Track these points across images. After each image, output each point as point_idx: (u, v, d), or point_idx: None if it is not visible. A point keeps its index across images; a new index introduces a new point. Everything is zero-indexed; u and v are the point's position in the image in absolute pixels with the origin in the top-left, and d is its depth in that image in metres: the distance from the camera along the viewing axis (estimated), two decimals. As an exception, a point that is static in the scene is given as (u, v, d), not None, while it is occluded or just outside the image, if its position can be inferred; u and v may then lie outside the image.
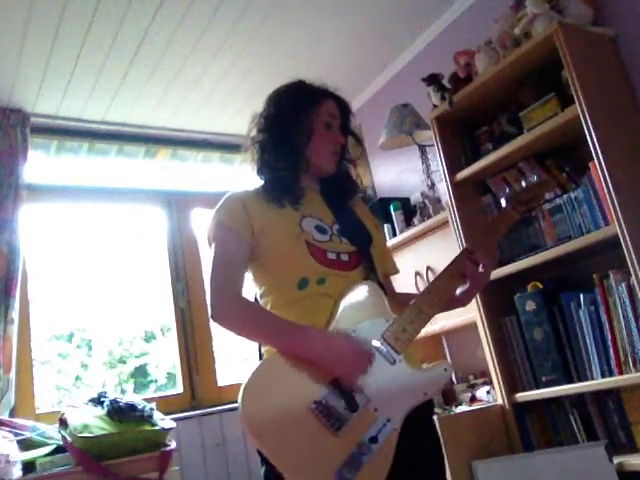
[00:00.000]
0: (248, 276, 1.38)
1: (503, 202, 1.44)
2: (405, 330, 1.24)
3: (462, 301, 1.42)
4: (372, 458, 1.12)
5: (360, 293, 1.29)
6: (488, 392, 2.33)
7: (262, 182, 1.43)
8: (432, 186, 2.68)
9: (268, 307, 1.34)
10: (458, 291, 1.40)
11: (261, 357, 1.33)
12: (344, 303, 1.26)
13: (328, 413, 1.13)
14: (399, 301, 1.41)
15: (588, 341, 1.96)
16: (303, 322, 1.23)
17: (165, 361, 3.99)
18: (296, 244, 1.30)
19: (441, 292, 1.31)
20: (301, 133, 1.39)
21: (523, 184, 1.42)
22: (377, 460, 1.13)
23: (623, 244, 1.80)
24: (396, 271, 1.55)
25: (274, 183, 1.39)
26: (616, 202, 1.82)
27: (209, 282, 1.29)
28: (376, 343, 1.22)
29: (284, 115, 1.41)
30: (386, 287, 1.45)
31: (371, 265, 1.36)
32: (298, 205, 1.37)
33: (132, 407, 2.07)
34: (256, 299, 1.40)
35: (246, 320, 1.26)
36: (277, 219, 1.34)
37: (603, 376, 1.90)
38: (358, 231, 1.41)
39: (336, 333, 1.21)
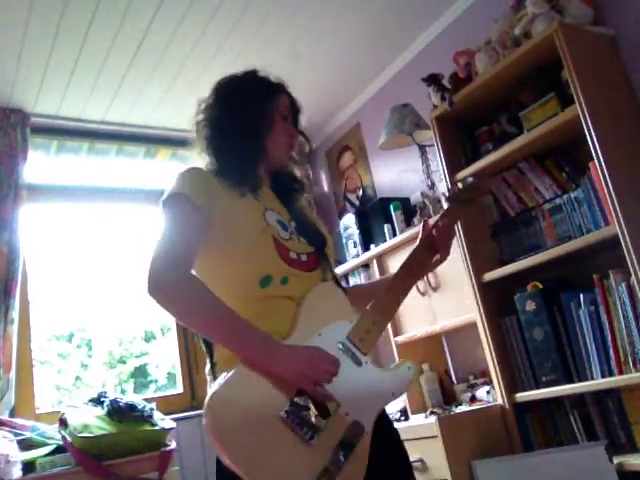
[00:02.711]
0: (199, 267, 1.25)
1: (444, 203, 1.46)
2: (369, 331, 1.22)
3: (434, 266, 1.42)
4: (347, 464, 1.10)
5: (322, 295, 1.26)
6: (488, 392, 2.33)
7: (216, 166, 1.33)
8: (432, 186, 2.67)
9: None
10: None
11: (213, 364, 1.24)
12: (306, 306, 1.22)
13: (300, 422, 1.09)
14: (353, 296, 1.38)
15: (588, 341, 1.96)
16: (265, 325, 1.15)
17: (165, 361, 3.98)
18: (262, 238, 1.23)
19: (400, 290, 1.30)
20: (263, 120, 1.35)
21: (460, 185, 1.45)
22: (352, 465, 1.11)
23: (623, 244, 1.80)
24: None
25: (234, 167, 1.31)
26: (616, 202, 1.82)
27: (155, 249, 1.15)
28: (342, 345, 1.20)
29: (246, 99, 1.36)
30: None
31: (329, 266, 1.34)
32: (257, 195, 1.30)
33: (132, 407, 2.07)
34: None
35: (192, 302, 1.13)
36: (239, 208, 1.26)
37: (603, 376, 1.90)
38: (314, 231, 1.38)
39: (292, 344, 1.15)
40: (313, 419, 1.10)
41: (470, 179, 1.47)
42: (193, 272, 1.21)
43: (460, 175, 2.36)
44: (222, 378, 1.10)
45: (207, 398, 1.08)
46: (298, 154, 1.49)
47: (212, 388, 1.10)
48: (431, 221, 1.40)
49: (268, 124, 1.35)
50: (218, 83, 1.44)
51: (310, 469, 1.07)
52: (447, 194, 1.46)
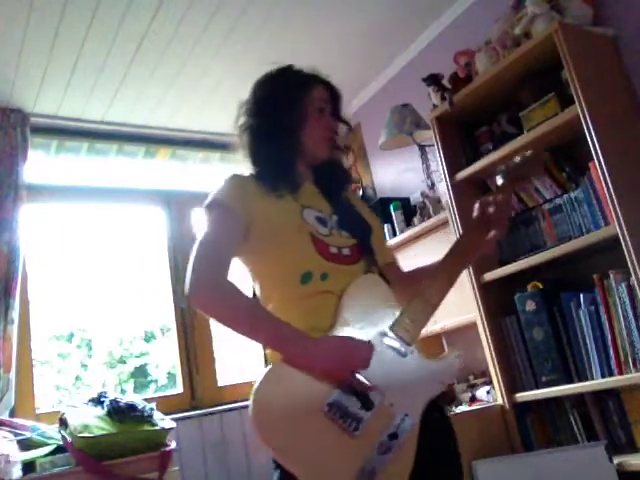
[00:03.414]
0: (245, 270, 1.34)
1: (499, 180, 1.39)
2: (414, 321, 1.21)
3: (485, 248, 1.36)
4: (393, 456, 1.09)
5: (363, 287, 1.26)
6: (488, 392, 2.33)
7: (256, 170, 1.37)
8: (432, 186, 2.68)
9: (270, 305, 1.29)
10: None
11: (266, 363, 1.28)
12: (348, 299, 1.22)
13: (343, 414, 1.09)
14: (412, 280, 1.37)
15: (588, 341, 1.96)
16: (307, 322, 1.19)
17: (165, 361, 3.99)
18: (299, 236, 1.26)
19: (448, 275, 1.28)
20: (295, 116, 1.35)
21: (517, 159, 1.40)
22: (399, 457, 1.09)
23: (623, 244, 1.80)
24: (394, 259, 1.51)
25: (270, 169, 1.34)
26: (616, 202, 1.82)
27: (192, 257, 1.21)
28: (385, 338, 1.19)
29: (277, 98, 1.37)
30: (394, 273, 1.43)
31: (372, 257, 1.33)
32: (296, 195, 1.32)
33: (132, 407, 2.07)
34: (254, 294, 1.35)
35: (228, 305, 1.19)
36: (278, 210, 1.29)
37: (603, 376, 1.90)
38: (357, 222, 1.38)
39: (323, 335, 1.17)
40: (356, 411, 1.10)
41: (528, 152, 1.41)
42: (238, 276, 1.26)
43: (460, 175, 2.36)
44: (265, 373, 1.12)
45: (251, 393, 1.10)
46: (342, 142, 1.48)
47: (255, 382, 1.11)
48: (486, 198, 1.35)
49: (300, 120, 1.35)
50: (254, 84, 1.45)
51: (355, 460, 1.07)
52: (503, 168, 1.41)
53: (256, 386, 1.09)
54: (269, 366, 1.14)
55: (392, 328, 1.20)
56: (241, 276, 1.33)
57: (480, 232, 1.34)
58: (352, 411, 1.10)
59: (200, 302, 1.19)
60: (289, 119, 1.35)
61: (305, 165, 1.40)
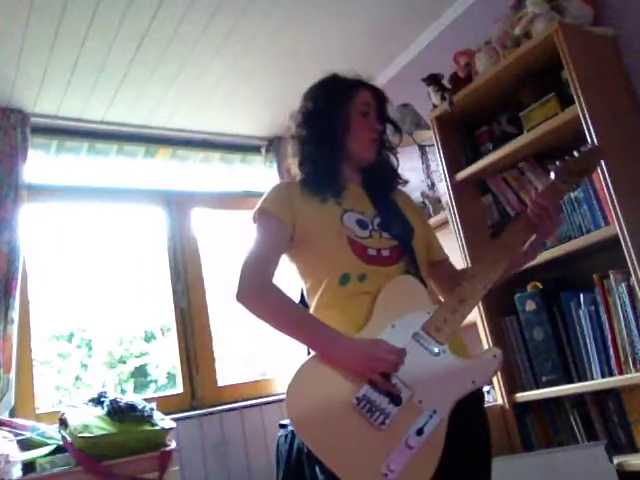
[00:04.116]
0: (293, 270, 1.43)
1: (552, 175, 1.36)
2: (447, 320, 1.24)
3: (529, 256, 1.40)
4: (420, 451, 1.12)
5: (398, 287, 1.29)
6: (488, 392, 2.33)
7: (303, 176, 1.44)
8: (432, 186, 2.68)
9: (313, 303, 1.36)
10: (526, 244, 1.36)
11: (309, 351, 1.33)
12: (382, 299, 1.27)
13: (371, 408, 1.14)
14: (460, 278, 1.37)
15: (588, 341, 1.96)
16: (343, 322, 1.26)
17: (165, 361, 3.98)
18: (338, 240, 1.31)
19: (481, 277, 1.28)
20: (339, 123, 1.41)
21: (575, 154, 1.37)
22: (425, 452, 1.12)
23: (623, 244, 1.80)
24: (445, 257, 1.52)
25: (316, 175, 1.40)
26: (616, 202, 1.82)
27: (242, 262, 1.32)
28: (417, 337, 1.22)
29: (321, 108, 1.43)
30: (444, 271, 1.48)
31: (412, 259, 1.35)
32: (340, 199, 1.38)
33: (132, 407, 2.07)
34: (302, 294, 1.42)
35: (270, 305, 1.29)
36: (319, 214, 1.36)
37: (603, 376, 1.90)
38: (399, 224, 1.41)
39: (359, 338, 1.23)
40: (385, 405, 1.15)
41: (587, 146, 1.38)
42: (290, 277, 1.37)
43: (460, 175, 2.36)
44: (299, 368, 1.20)
45: (286, 387, 1.19)
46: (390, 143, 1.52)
47: (290, 377, 1.18)
48: (535, 196, 1.33)
49: (345, 126, 1.41)
50: (302, 95, 1.51)
51: (382, 452, 1.11)
52: (556, 166, 1.37)
53: (290, 381, 1.17)
54: (303, 361, 1.21)
55: (424, 327, 1.23)
56: (288, 278, 1.42)
57: (524, 233, 1.34)
58: (380, 406, 1.15)
59: (246, 303, 1.29)
60: (334, 127, 1.41)
61: (352, 169, 1.46)
